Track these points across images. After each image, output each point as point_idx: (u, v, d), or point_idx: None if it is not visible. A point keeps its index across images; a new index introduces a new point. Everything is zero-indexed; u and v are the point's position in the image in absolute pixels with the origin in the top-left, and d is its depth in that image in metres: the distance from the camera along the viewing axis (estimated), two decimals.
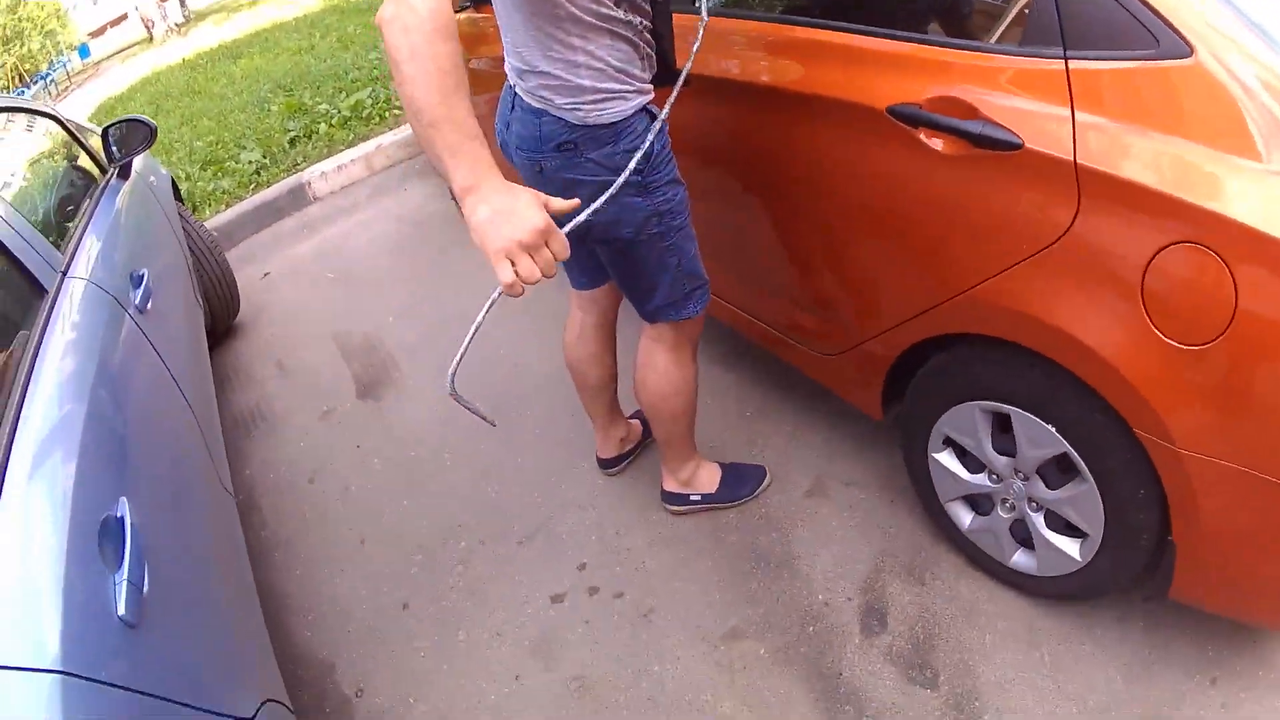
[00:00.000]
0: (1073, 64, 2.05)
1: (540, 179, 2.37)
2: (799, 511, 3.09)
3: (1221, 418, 1.93)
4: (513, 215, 1.73)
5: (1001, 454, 2.50)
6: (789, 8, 2.92)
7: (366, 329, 4.64)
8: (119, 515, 1.70)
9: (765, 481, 3.18)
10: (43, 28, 42.62)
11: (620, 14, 2.18)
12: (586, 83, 2.20)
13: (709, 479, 3.15)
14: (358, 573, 3.23)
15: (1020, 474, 2.49)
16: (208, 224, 5.94)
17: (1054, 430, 2.29)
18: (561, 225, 1.85)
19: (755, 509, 3.12)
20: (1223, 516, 2.04)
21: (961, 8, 2.56)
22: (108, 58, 36.24)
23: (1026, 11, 2.21)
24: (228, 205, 6.74)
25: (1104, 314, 2.03)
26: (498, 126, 2.56)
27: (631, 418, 3.51)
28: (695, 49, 2.43)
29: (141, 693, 1.42)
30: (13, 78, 38.47)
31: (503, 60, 2.45)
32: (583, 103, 2.23)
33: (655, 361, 2.80)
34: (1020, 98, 2.12)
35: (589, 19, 2.11)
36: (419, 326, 4.57)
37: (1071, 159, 1.99)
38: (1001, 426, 2.49)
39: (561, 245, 1.80)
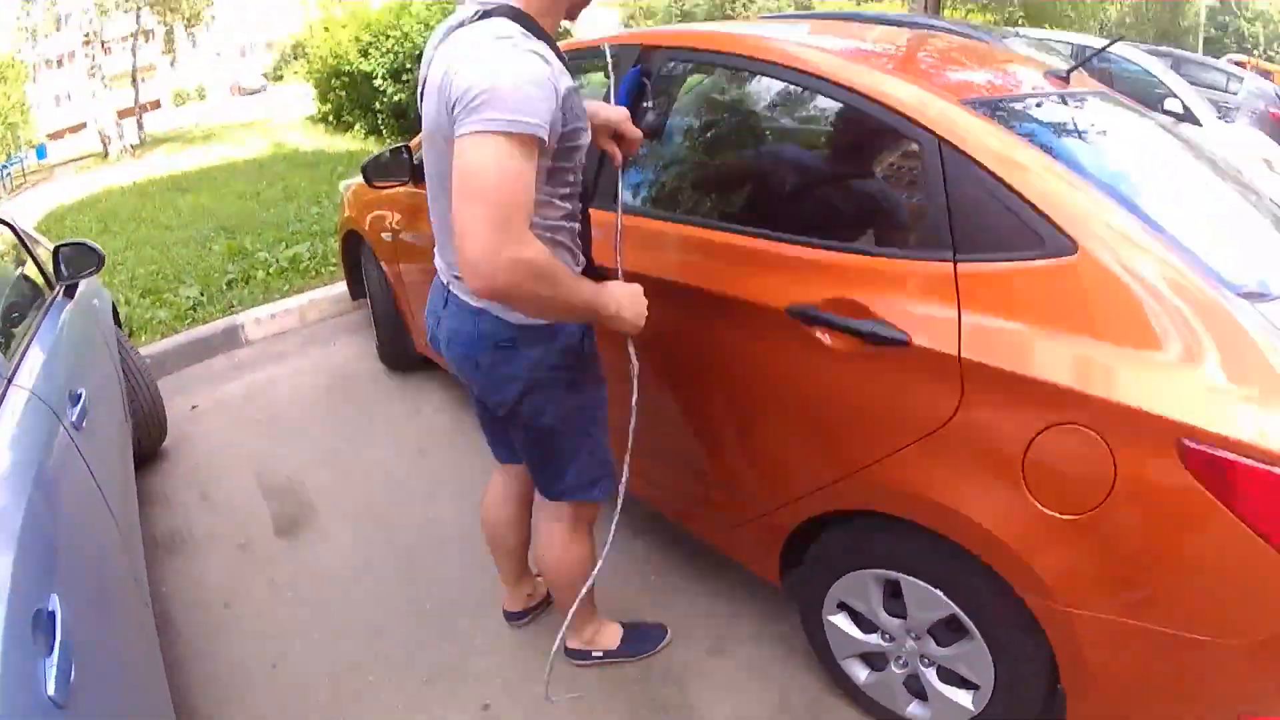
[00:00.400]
0: (961, 267, 2.22)
1: (477, 373, 2.53)
2: (700, 667, 3.18)
3: (1099, 575, 2.06)
4: (636, 294, 2.41)
5: (893, 616, 2.60)
6: (699, 210, 3.12)
7: (288, 471, 4.71)
8: (50, 610, 1.77)
9: (666, 639, 3.27)
10: (5, 118, 42.21)
11: (563, 222, 2.40)
12: None
13: (611, 637, 3.25)
14: (268, 695, 3.25)
15: (912, 633, 2.58)
16: (142, 350, 5.98)
17: (942, 594, 2.40)
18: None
19: (658, 663, 3.21)
20: (1107, 663, 2.16)
21: (860, 212, 2.74)
22: (63, 163, 35.91)
23: (921, 218, 2.39)
24: (163, 335, 6.76)
25: (987, 491, 2.17)
26: (427, 321, 2.71)
27: (539, 575, 3.52)
28: (619, 247, 2.65)
29: None
30: None
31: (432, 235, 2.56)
32: None
33: (554, 540, 2.91)
34: (910, 298, 2.28)
35: (534, 224, 2.19)
36: (336, 475, 4.66)
37: (956, 354, 2.15)
38: (892, 591, 2.58)
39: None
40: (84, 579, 2.21)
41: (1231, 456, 1.84)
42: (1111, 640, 2.12)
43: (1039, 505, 2.09)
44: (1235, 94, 13.66)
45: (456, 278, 2.46)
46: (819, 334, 2.45)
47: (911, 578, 2.48)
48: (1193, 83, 12.00)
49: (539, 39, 2.17)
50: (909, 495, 2.34)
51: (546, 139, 2.05)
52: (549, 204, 2.33)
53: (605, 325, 2.36)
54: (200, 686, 3.33)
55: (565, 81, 2.15)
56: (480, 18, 2.18)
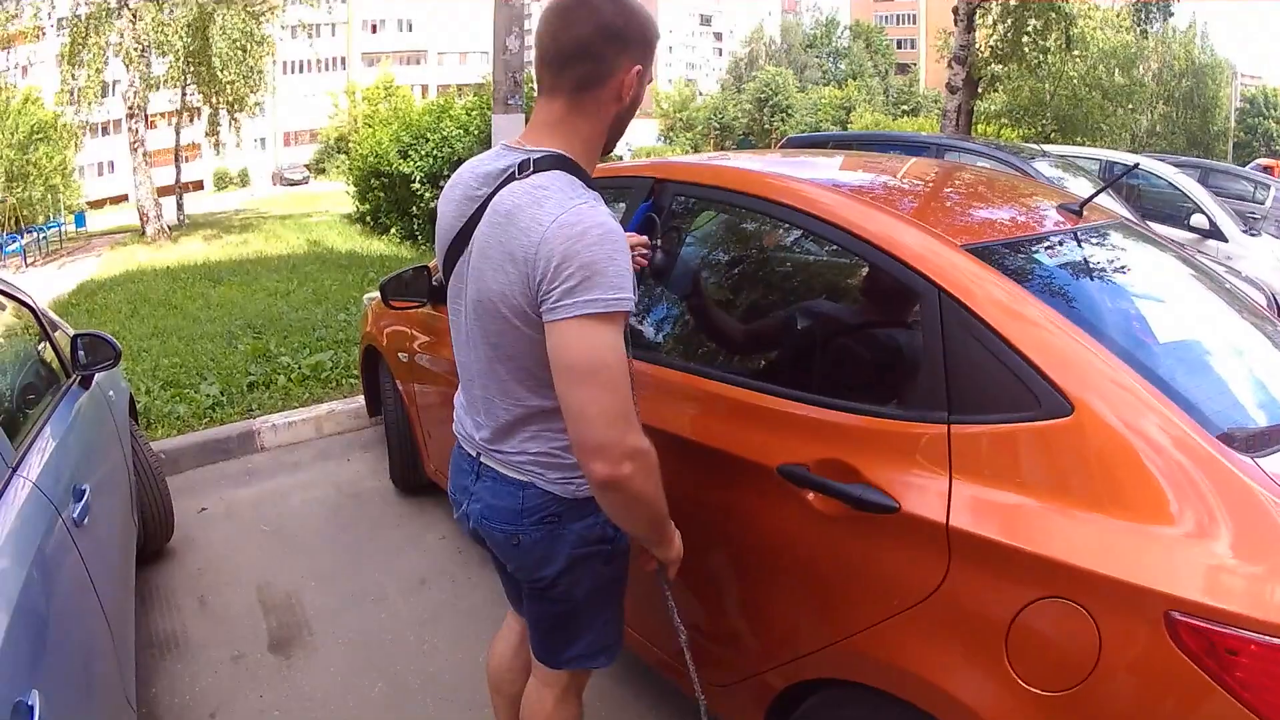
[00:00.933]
0: (955, 429, 2.17)
1: (515, 551, 2.40)
2: None
3: None
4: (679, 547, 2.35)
5: None
6: (695, 357, 3.10)
7: (288, 586, 4.69)
8: (30, 704, 1.79)
9: None
10: (48, 180, 42.76)
11: None
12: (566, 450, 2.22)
13: None
14: None
15: None
16: (157, 445, 6.01)
17: None
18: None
19: None
20: None
21: (857, 365, 2.71)
22: (101, 234, 36.21)
23: (917, 373, 2.35)
24: (179, 432, 6.82)
25: (970, 666, 2.10)
26: (453, 496, 2.59)
27: None
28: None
29: None
30: (10, 219, 38.39)
31: (450, 360, 2.54)
32: (575, 476, 2.28)
33: (544, 705, 2.74)
34: (902, 462, 2.24)
35: None
36: (338, 596, 4.63)
37: (944, 522, 2.10)
38: None
39: None
40: (68, 677, 2.23)
41: (1223, 629, 1.74)
42: None
43: (1021, 682, 2.00)
44: (1262, 203, 13.79)
45: (491, 449, 2.38)
46: (809, 496, 2.41)
47: None
48: (1220, 194, 12.19)
49: (591, 190, 2.10)
50: (892, 667, 2.26)
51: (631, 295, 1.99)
52: None
53: (659, 550, 2.32)
54: None
55: None
56: (528, 168, 2.11)
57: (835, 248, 2.71)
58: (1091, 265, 2.69)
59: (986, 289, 2.26)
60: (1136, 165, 5.26)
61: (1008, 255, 2.50)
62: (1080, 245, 2.76)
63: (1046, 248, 2.69)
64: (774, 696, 2.73)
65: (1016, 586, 2.01)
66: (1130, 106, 37.80)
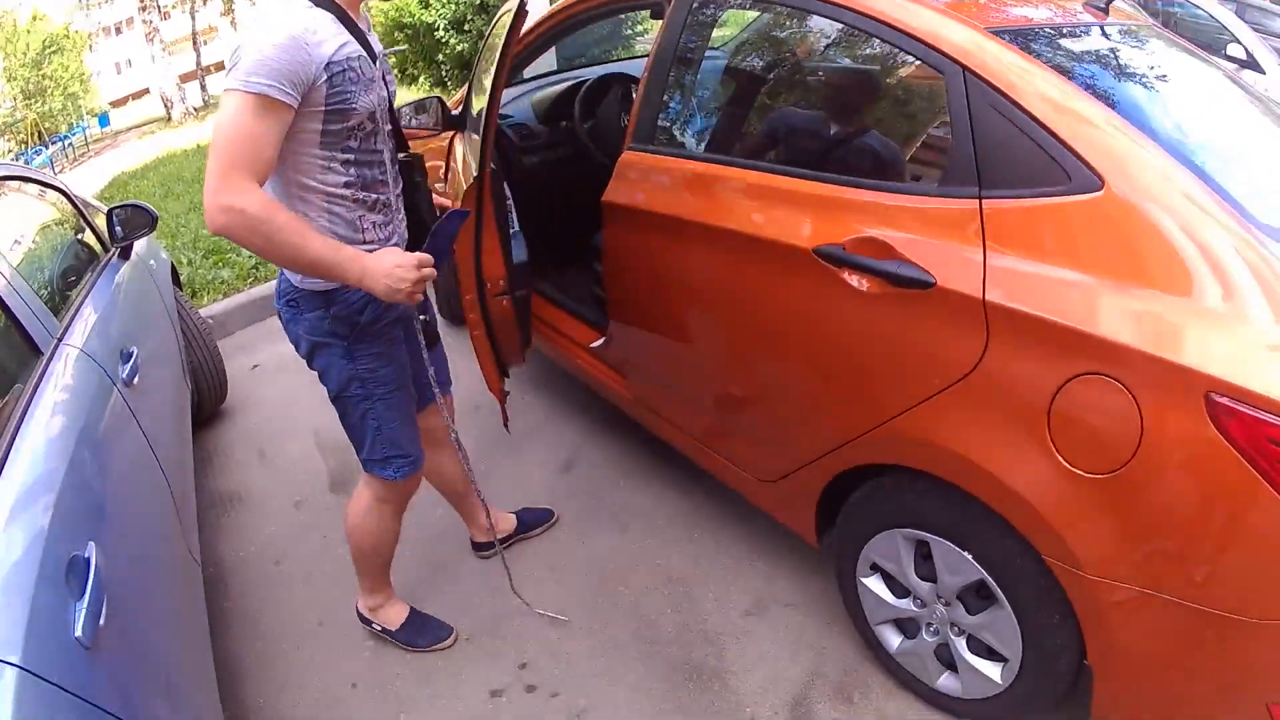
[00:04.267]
0: (987, 204, 2.16)
1: (283, 325, 2.77)
2: (736, 629, 3.18)
3: (1127, 543, 1.98)
4: (389, 270, 2.33)
5: (924, 580, 2.57)
6: (726, 148, 3.09)
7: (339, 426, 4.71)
8: (86, 556, 1.83)
9: (446, 641, 3.28)
10: (65, 89, 42.71)
11: (345, 190, 2.50)
12: None
13: (394, 616, 3.33)
14: (313, 651, 3.32)
15: (942, 599, 2.54)
16: (204, 311, 6.08)
17: (970, 557, 2.34)
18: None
19: (694, 624, 3.22)
20: (1134, 639, 2.07)
21: (886, 147, 2.69)
22: (126, 130, 35.83)
23: (946, 152, 2.32)
24: (225, 295, 6.87)
25: (1012, 446, 2.10)
26: None
27: (516, 512, 3.83)
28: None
29: (87, 701, 1.55)
30: (33, 134, 38.49)
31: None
32: None
33: (360, 501, 3.05)
34: (936, 237, 2.23)
35: (311, 186, 2.45)
36: None
37: (980, 296, 2.09)
38: (924, 554, 2.55)
39: (431, 263, 2.43)
40: (126, 531, 2.27)
41: (1264, 415, 1.75)
42: (1138, 615, 2.03)
43: (1064, 462, 2.02)
44: None
45: None
46: (846, 275, 2.41)
47: (940, 539, 2.44)
48: (1258, 30, 11.76)
49: (321, 7, 2.34)
50: (934, 448, 2.29)
51: (285, 100, 2.19)
52: (328, 169, 2.44)
53: (348, 282, 2.39)
54: (247, 641, 3.42)
55: (337, 51, 2.30)
56: None
57: (864, 37, 2.66)
58: (1119, 57, 2.66)
59: (1011, 67, 2.25)
60: None
61: (1034, 39, 2.47)
62: (1106, 39, 2.71)
63: (1073, 36, 2.65)
64: (821, 490, 2.78)
65: (1055, 362, 2.02)
66: None
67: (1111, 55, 2.64)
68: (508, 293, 3.38)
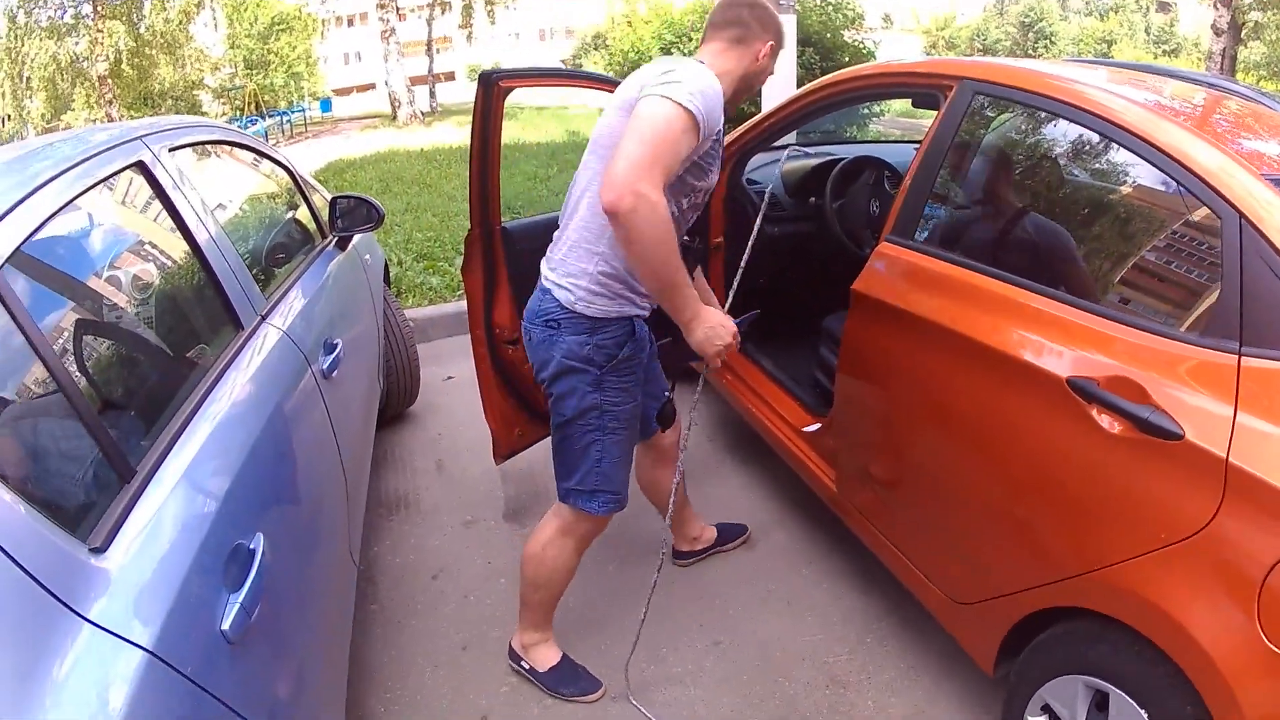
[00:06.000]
0: (1245, 361, 2.07)
1: (529, 345, 2.90)
2: None
3: None
4: (717, 330, 2.65)
5: None
6: (990, 258, 2.98)
7: (531, 457, 4.53)
8: (251, 547, 1.79)
9: (595, 694, 3.17)
10: (291, 67, 43.87)
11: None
12: (590, 268, 2.71)
13: (546, 658, 3.24)
14: (450, 673, 3.26)
15: None
16: (408, 314, 6.15)
17: (1146, 716, 2.21)
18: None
19: None
20: None
21: (1150, 283, 2.60)
22: (349, 120, 36.79)
23: (1210, 301, 2.24)
24: (431, 302, 6.98)
25: (1218, 611, 2.01)
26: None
27: (715, 525, 4.00)
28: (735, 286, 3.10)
29: (218, 700, 1.49)
30: (250, 104, 39.69)
31: None
32: (577, 287, 2.73)
33: (543, 534, 3.06)
34: (1190, 387, 2.15)
35: None
36: None
37: (1224, 456, 1.99)
38: (1099, 703, 2.41)
39: (737, 341, 2.74)
40: (295, 525, 2.26)
41: None
42: None
43: (1264, 636, 1.90)
44: None
45: (549, 254, 2.90)
46: (1095, 412, 2.31)
47: (1122, 693, 2.29)
48: None
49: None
50: (1144, 602, 2.17)
51: (701, 132, 2.48)
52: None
53: (678, 319, 2.62)
54: (383, 650, 3.39)
55: (720, 128, 2.68)
56: None
57: (1139, 165, 2.59)
58: None
59: None
60: None
61: None
62: None
63: None
64: (1016, 622, 2.65)
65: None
66: None
67: None
68: (515, 342, 3.67)
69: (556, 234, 2.91)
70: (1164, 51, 72.74)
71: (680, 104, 2.39)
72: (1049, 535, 2.51)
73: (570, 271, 2.74)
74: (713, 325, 2.63)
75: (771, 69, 2.96)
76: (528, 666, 3.22)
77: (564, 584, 3.13)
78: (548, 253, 2.91)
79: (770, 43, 2.88)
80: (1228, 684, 1.96)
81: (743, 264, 3.07)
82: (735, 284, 3.07)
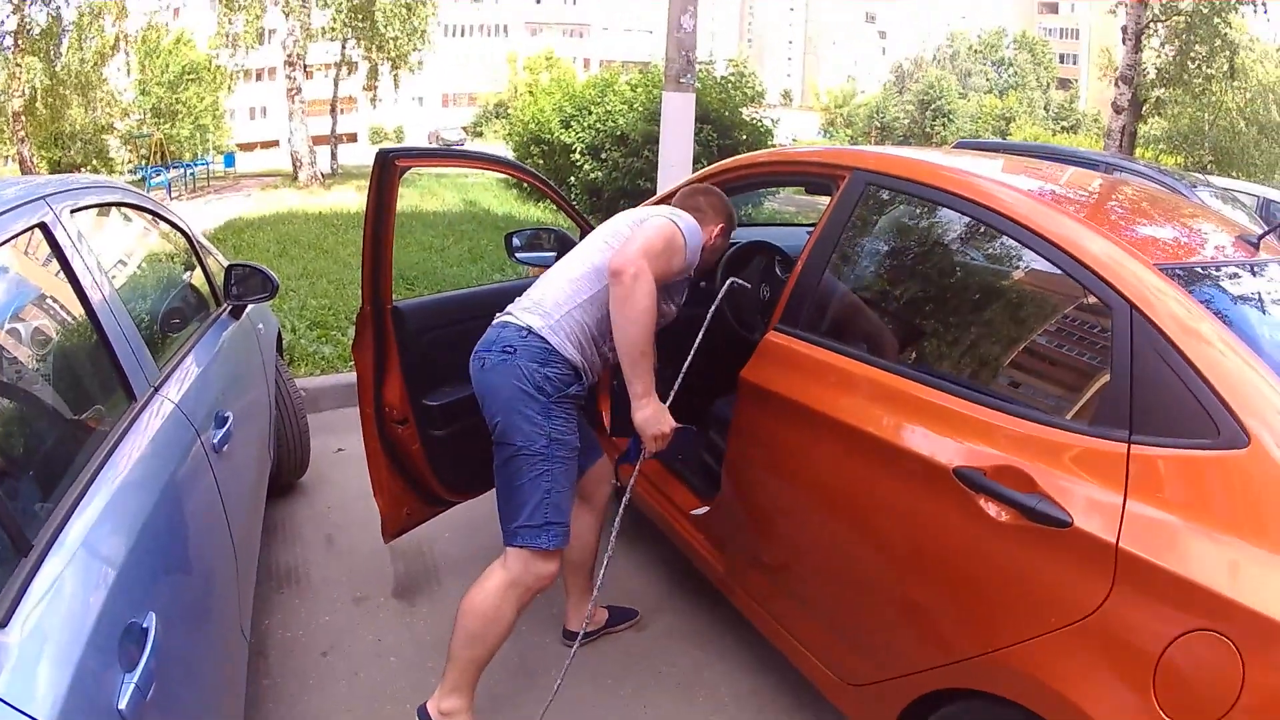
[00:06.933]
0: (1134, 448, 2.12)
1: (480, 373, 3.05)
2: None
3: None
4: (660, 417, 3.05)
5: None
6: (875, 348, 3.07)
7: (421, 535, 4.54)
8: (144, 625, 1.76)
9: None
10: (197, 119, 43.73)
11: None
12: (570, 308, 3.06)
13: None
14: None
15: None
16: (299, 383, 6.07)
17: None
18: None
19: None
20: None
21: (1039, 372, 2.67)
22: (250, 176, 36.49)
23: (1101, 388, 2.30)
24: (323, 371, 6.92)
25: (1114, 691, 2.04)
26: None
27: (605, 606, 3.96)
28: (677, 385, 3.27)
29: None
30: (155, 153, 38.84)
31: None
32: (549, 316, 3.03)
33: (490, 581, 3.07)
34: (1078, 476, 2.19)
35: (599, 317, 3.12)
36: (472, 549, 4.57)
37: (1114, 542, 2.05)
38: None
39: (667, 441, 3.10)
40: (187, 602, 2.23)
41: None
42: None
43: (1162, 713, 1.94)
44: None
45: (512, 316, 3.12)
46: (982, 501, 2.35)
47: None
48: None
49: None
50: (1038, 684, 2.19)
51: (686, 259, 3.14)
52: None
53: (631, 387, 3.00)
54: None
55: (692, 268, 3.26)
56: None
57: (1029, 256, 2.67)
58: (1271, 300, 2.60)
59: (1180, 312, 2.22)
60: None
61: (1197, 279, 2.45)
62: (1261, 279, 2.67)
63: (1232, 276, 2.62)
64: (910, 702, 2.67)
65: (1174, 615, 1.96)
66: None
67: (1265, 298, 2.59)
68: (404, 422, 3.76)
69: (527, 291, 3.22)
70: (1063, 128, 74.55)
71: (680, 228, 3.08)
72: (941, 619, 2.55)
73: (545, 305, 3.07)
74: (657, 411, 3.03)
75: (724, 246, 3.70)
76: None
77: (499, 642, 3.10)
78: (514, 301, 3.19)
79: (721, 225, 3.52)
80: None
81: (689, 358, 3.26)
82: (679, 379, 3.24)
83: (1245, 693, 1.80)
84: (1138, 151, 28.14)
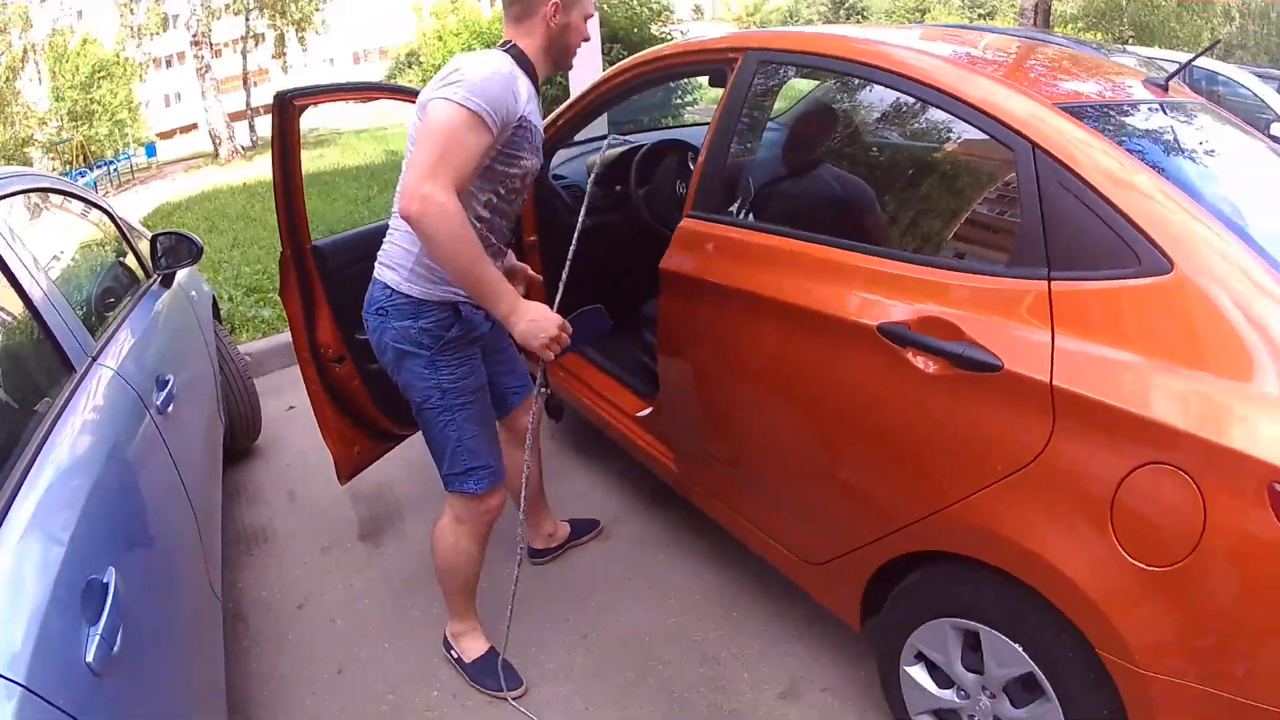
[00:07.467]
0: (1055, 285, 2.12)
1: (371, 339, 2.92)
2: (769, 713, 3.06)
3: (1184, 638, 1.91)
4: (540, 325, 2.58)
5: (970, 671, 2.47)
6: (791, 221, 3.02)
7: (379, 477, 4.62)
8: (105, 581, 1.75)
9: (516, 691, 3.18)
10: (113, 115, 43.09)
11: (476, 223, 2.74)
12: (414, 249, 2.76)
13: (471, 649, 3.30)
14: (328, 699, 3.22)
15: (988, 691, 2.44)
16: (242, 348, 6.03)
17: (1021, 650, 2.25)
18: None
19: (726, 704, 3.10)
20: None
21: (954, 224, 2.66)
22: (173, 162, 36.02)
23: (1014, 232, 2.29)
24: (264, 334, 6.85)
25: (1073, 536, 2.04)
26: None
27: (567, 520, 4.04)
28: (564, 281, 3.02)
29: None
30: (78, 156, 38.69)
31: None
32: (400, 268, 2.79)
33: (443, 519, 3.13)
34: (1003, 319, 2.19)
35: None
36: (428, 482, 4.50)
37: (1048, 381, 2.04)
38: (971, 644, 2.46)
39: (569, 332, 2.67)
40: (149, 559, 2.22)
41: None
42: (1191, 711, 1.93)
43: (1125, 554, 1.95)
44: None
45: (377, 268, 2.92)
46: (910, 355, 2.35)
47: (991, 630, 2.34)
48: None
49: (525, 75, 2.74)
50: (994, 536, 2.21)
51: (491, 128, 2.52)
52: (473, 196, 2.72)
53: (495, 312, 2.62)
54: (262, 684, 3.32)
55: (527, 111, 2.68)
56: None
57: (931, 110, 2.66)
58: (1182, 136, 2.62)
59: (1082, 147, 2.22)
60: (1218, 41, 5.04)
61: (1101, 117, 2.45)
62: (1169, 117, 2.69)
63: (1138, 114, 2.63)
64: (872, 574, 2.69)
65: (1122, 450, 1.96)
66: (1206, 16, 36.31)
67: (1175, 133, 2.61)
68: (343, 360, 3.68)
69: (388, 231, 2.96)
70: (979, 14, 74.43)
71: (460, 104, 2.45)
72: (886, 483, 2.56)
73: (394, 255, 2.81)
74: (535, 319, 2.59)
75: (580, 27, 2.85)
76: (455, 655, 3.28)
77: (470, 571, 3.17)
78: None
79: (554, 2, 2.76)
80: (1092, 600, 2.01)
81: (569, 260, 3.05)
82: (562, 282, 3.05)
83: (1209, 525, 1.81)
84: (1056, 30, 28.16)
